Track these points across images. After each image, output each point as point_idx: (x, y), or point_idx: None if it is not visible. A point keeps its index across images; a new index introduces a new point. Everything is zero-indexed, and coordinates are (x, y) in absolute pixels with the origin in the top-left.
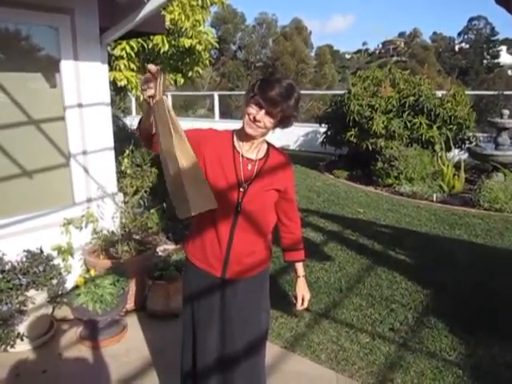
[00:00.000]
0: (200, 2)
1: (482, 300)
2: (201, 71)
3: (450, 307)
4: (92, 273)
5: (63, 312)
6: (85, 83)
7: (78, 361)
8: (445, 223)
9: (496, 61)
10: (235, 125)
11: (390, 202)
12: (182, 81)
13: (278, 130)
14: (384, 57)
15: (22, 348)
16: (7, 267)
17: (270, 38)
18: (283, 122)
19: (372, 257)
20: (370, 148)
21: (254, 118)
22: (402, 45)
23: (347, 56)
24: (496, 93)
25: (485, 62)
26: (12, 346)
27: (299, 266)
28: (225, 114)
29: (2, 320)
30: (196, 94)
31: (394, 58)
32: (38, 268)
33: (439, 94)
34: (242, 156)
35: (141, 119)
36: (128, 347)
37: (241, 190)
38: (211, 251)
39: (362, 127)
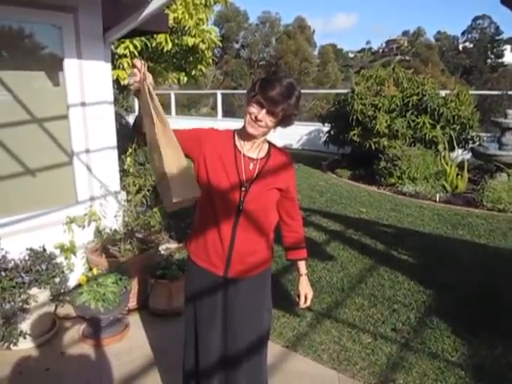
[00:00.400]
0: (203, 1)
1: (485, 300)
2: (204, 70)
3: (452, 307)
4: (94, 271)
5: (65, 310)
6: (88, 82)
7: (81, 359)
8: (448, 223)
9: (500, 60)
10: (238, 123)
11: (393, 201)
12: (186, 79)
13: (280, 128)
14: (387, 56)
15: (25, 346)
16: (10, 265)
17: (273, 37)
18: (284, 120)
19: (374, 256)
20: (373, 147)
21: (256, 117)
22: (406, 44)
23: (350, 55)
24: (500, 92)
25: (489, 61)
26: (15, 344)
27: (301, 265)
28: (228, 113)
29: (5, 318)
30: (199, 93)
31: (398, 57)
32: (40, 266)
33: (443, 93)
34: (244, 155)
35: (137, 116)
36: (130, 346)
37: (242, 189)
38: (213, 250)
39: (365, 126)
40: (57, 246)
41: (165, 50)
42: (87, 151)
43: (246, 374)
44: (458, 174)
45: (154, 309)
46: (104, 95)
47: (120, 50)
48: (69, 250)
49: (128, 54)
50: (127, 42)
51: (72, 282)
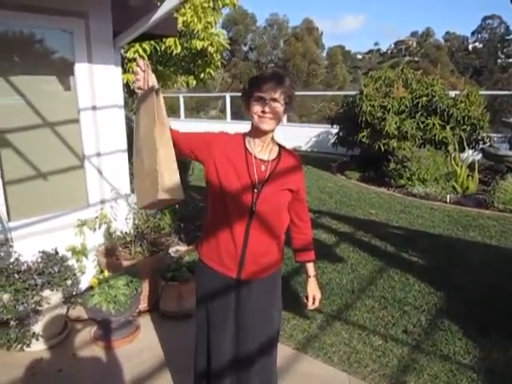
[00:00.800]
0: (212, 4)
1: (497, 302)
2: (212, 73)
3: (463, 309)
4: (106, 274)
5: (77, 312)
6: (99, 86)
7: (92, 360)
8: (458, 225)
9: (510, 60)
10: (247, 126)
11: (403, 203)
12: (194, 83)
13: (288, 130)
14: (396, 57)
15: (38, 347)
16: (23, 268)
17: (281, 39)
18: (288, 102)
19: (384, 258)
20: (383, 149)
21: (263, 111)
22: (415, 45)
23: (359, 56)
24: (510, 92)
25: (499, 61)
26: (28, 346)
27: (310, 266)
28: (236, 115)
29: (19, 320)
30: (208, 96)
31: (407, 58)
32: (52, 268)
33: (452, 94)
34: (255, 157)
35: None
36: (141, 347)
37: (255, 190)
38: (226, 252)
39: (374, 128)
40: (68, 248)
41: (174, 53)
42: (98, 154)
43: (257, 375)
44: (468, 175)
45: (164, 311)
46: (114, 99)
47: (129, 54)
48: (80, 252)
49: (137, 57)
50: (137, 45)
51: (83, 285)
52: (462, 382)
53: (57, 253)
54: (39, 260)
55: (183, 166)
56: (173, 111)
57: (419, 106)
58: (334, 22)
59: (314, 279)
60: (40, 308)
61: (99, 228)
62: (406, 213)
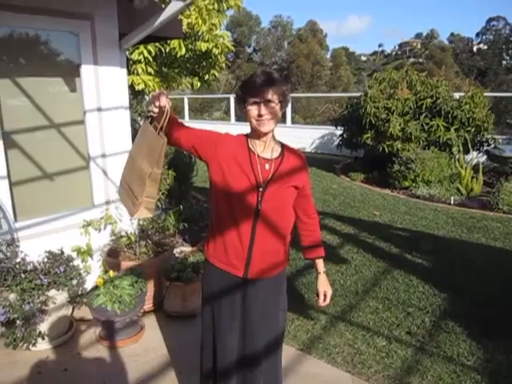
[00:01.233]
0: (216, 6)
1: (501, 304)
2: (217, 74)
3: (467, 311)
4: (111, 274)
5: (81, 313)
6: (104, 87)
7: (97, 360)
8: (462, 226)
9: None
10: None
11: (407, 204)
12: (199, 84)
13: (292, 132)
14: (400, 58)
15: (43, 347)
16: (29, 267)
17: (285, 41)
18: (283, 99)
19: (388, 260)
20: (387, 150)
21: (259, 114)
22: (419, 46)
23: (363, 58)
24: None
25: (504, 62)
26: (34, 345)
27: (320, 263)
28: (240, 117)
29: (25, 319)
30: (212, 97)
31: (411, 60)
32: (58, 268)
33: (457, 95)
34: (258, 156)
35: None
36: (146, 347)
37: (260, 189)
38: (233, 251)
39: (378, 129)
40: (74, 248)
41: (178, 55)
42: (103, 155)
43: (263, 374)
44: (472, 177)
45: (168, 311)
46: (119, 100)
47: (134, 56)
48: (85, 252)
49: (142, 59)
50: (141, 47)
51: (89, 285)
52: (466, 383)
53: (62, 253)
54: (45, 260)
55: (187, 167)
56: (177, 113)
57: (423, 107)
58: (339, 23)
59: (324, 275)
60: (46, 307)
61: (104, 228)
62: (410, 214)
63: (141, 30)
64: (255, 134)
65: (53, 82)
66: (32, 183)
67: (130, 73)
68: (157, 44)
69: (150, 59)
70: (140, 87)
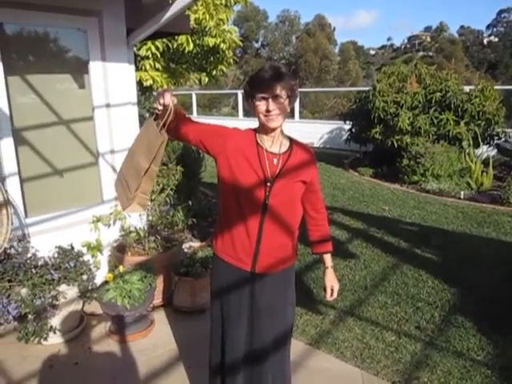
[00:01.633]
0: (224, 1)
1: (511, 299)
2: (225, 70)
3: (477, 306)
4: (120, 269)
5: (92, 307)
6: (112, 83)
7: (108, 354)
8: (472, 221)
9: None
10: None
11: (416, 199)
12: (207, 79)
13: (301, 127)
14: (410, 52)
15: (55, 341)
16: (40, 263)
17: (293, 35)
18: (291, 94)
19: (398, 255)
20: (396, 145)
21: (267, 110)
22: (429, 39)
23: (372, 52)
24: None
25: None
26: (45, 339)
27: (327, 258)
28: (249, 112)
29: (36, 313)
30: (220, 93)
31: (420, 53)
32: (69, 264)
33: (467, 89)
34: (266, 151)
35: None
36: (155, 342)
37: (268, 184)
38: (240, 246)
39: (387, 124)
40: (84, 244)
41: (186, 50)
42: (112, 151)
43: (271, 369)
44: (483, 171)
45: (178, 306)
46: (128, 97)
47: (142, 52)
48: (95, 248)
49: (150, 55)
50: (149, 43)
51: (99, 280)
52: (475, 378)
53: (72, 248)
54: (55, 255)
55: (195, 162)
56: (185, 108)
57: (433, 101)
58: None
59: (331, 270)
60: (57, 302)
61: (114, 224)
62: (419, 209)
63: (148, 25)
64: (263, 129)
65: (61, 79)
66: (42, 179)
67: (137, 69)
68: (164, 40)
69: (158, 55)
70: (148, 83)
